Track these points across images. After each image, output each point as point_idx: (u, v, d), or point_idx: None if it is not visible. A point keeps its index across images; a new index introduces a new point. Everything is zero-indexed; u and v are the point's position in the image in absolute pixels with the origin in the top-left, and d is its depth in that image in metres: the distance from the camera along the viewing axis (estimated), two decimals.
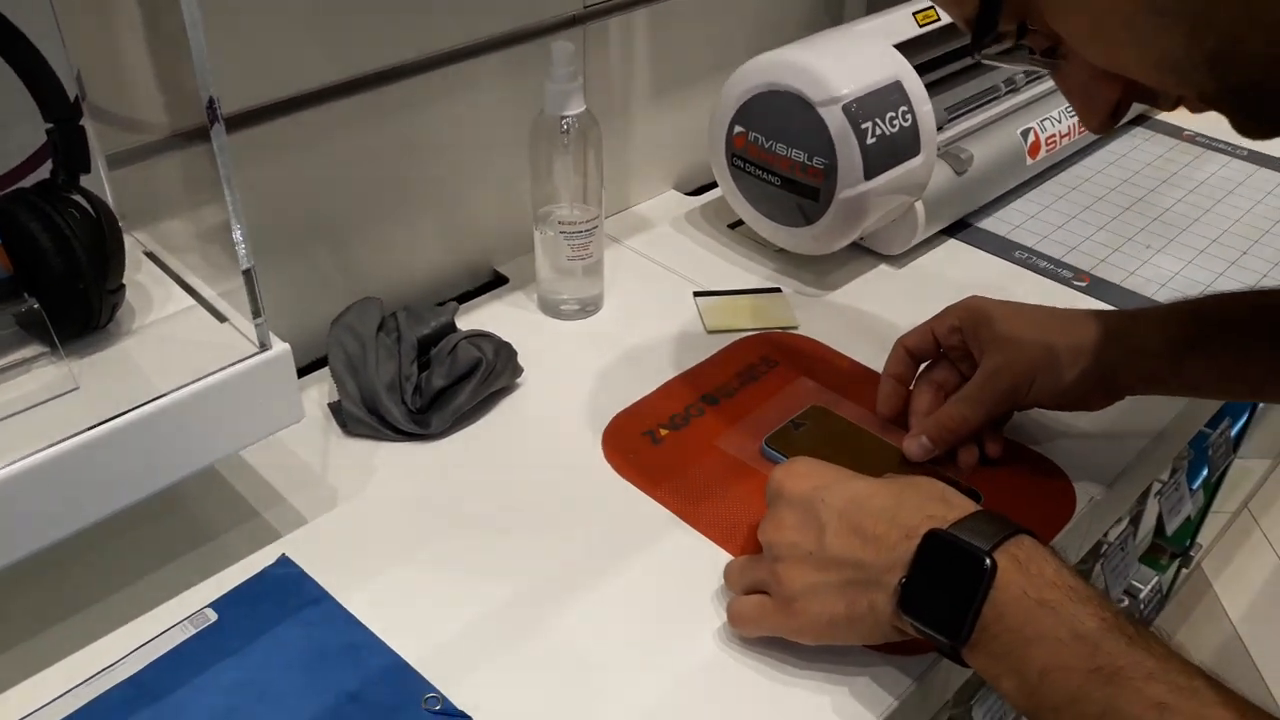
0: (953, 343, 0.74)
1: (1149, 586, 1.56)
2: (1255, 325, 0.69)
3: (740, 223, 0.99)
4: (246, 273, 0.57)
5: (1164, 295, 0.93)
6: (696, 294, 0.91)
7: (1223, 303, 0.71)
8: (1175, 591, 1.80)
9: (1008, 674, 0.51)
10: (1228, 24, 0.44)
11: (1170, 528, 1.30)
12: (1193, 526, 1.63)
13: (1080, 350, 0.69)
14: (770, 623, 0.59)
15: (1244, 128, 0.50)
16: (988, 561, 0.51)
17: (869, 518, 0.56)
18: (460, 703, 0.57)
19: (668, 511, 0.70)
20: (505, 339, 0.79)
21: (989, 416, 0.71)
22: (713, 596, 0.64)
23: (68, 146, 0.57)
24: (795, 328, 0.87)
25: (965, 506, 0.56)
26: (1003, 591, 0.51)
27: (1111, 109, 0.52)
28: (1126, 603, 1.54)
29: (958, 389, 0.73)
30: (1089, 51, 0.49)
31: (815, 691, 0.59)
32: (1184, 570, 1.73)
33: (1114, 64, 0.49)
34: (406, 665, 0.59)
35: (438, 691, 0.58)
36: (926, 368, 0.76)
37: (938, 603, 0.52)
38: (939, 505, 0.56)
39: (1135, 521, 1.27)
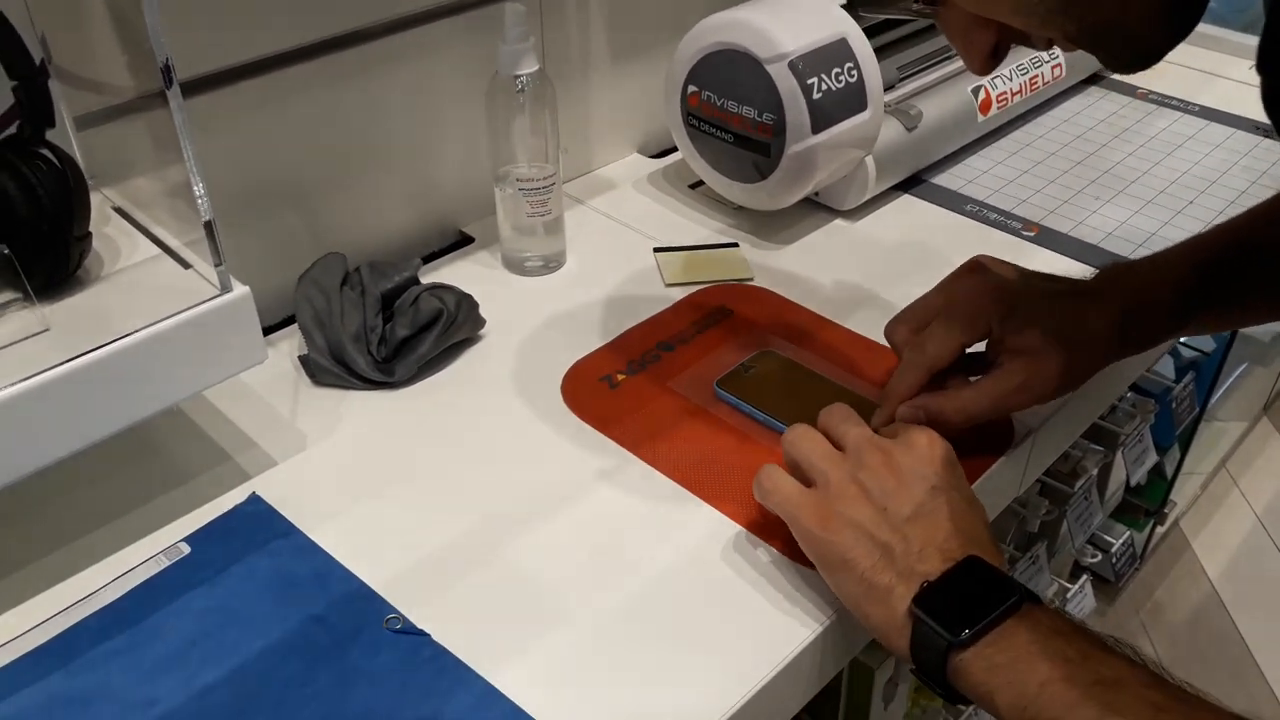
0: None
1: (1120, 541, 1.59)
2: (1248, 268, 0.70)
3: (700, 183, 1.02)
4: (208, 224, 0.61)
5: (1110, 244, 0.96)
6: (656, 250, 0.94)
7: (1222, 254, 0.70)
8: (1153, 550, 1.84)
9: (1005, 686, 0.51)
10: None
11: (1134, 478, 1.33)
12: (1166, 485, 1.67)
13: (1094, 354, 0.69)
14: (791, 508, 0.60)
15: (1110, 64, 0.53)
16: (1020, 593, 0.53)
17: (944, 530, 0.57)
18: (420, 623, 0.60)
19: (622, 449, 0.73)
20: (468, 292, 0.82)
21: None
22: (661, 520, 0.67)
23: (32, 102, 0.60)
24: (751, 279, 0.91)
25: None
26: (1022, 618, 0.52)
27: (989, 51, 0.56)
28: (1099, 558, 1.58)
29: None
30: None
31: (759, 612, 0.61)
32: (1159, 528, 1.77)
33: (983, 9, 0.53)
34: (370, 590, 0.63)
35: (398, 612, 0.61)
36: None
37: (956, 605, 0.53)
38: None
39: (1105, 473, 1.31)
